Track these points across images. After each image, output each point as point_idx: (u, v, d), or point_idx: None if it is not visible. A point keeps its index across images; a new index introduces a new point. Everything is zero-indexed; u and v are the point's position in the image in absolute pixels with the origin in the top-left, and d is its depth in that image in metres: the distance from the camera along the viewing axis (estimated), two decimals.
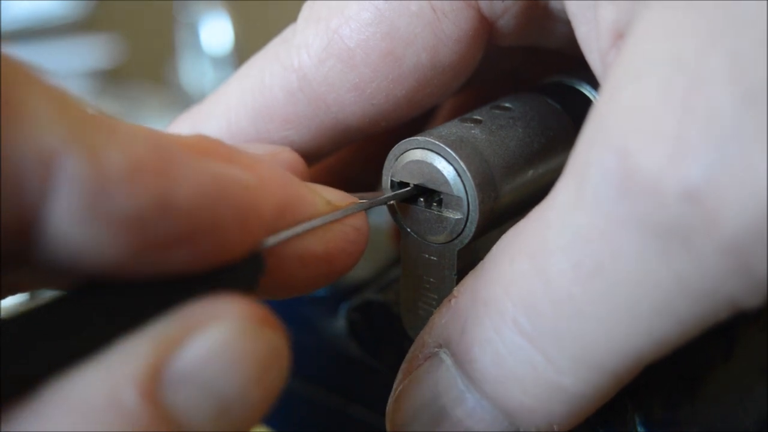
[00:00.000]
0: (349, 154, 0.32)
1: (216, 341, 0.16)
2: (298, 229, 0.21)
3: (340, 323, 0.30)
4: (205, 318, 0.16)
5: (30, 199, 0.15)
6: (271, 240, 0.20)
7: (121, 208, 0.15)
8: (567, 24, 0.22)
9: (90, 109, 0.16)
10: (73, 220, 0.15)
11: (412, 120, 0.27)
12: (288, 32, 0.26)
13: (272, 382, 0.17)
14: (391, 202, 0.25)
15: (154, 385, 0.16)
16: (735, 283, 0.17)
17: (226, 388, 0.16)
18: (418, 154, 0.24)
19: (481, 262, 0.21)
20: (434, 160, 0.23)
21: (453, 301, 0.22)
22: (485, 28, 0.24)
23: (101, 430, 0.15)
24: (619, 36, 0.20)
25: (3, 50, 0.15)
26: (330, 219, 0.22)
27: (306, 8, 0.26)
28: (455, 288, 0.22)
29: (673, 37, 0.17)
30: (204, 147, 0.20)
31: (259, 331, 0.17)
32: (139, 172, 0.15)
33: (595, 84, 0.26)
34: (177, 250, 0.16)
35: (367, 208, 0.23)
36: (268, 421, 0.35)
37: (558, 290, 0.19)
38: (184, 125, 0.27)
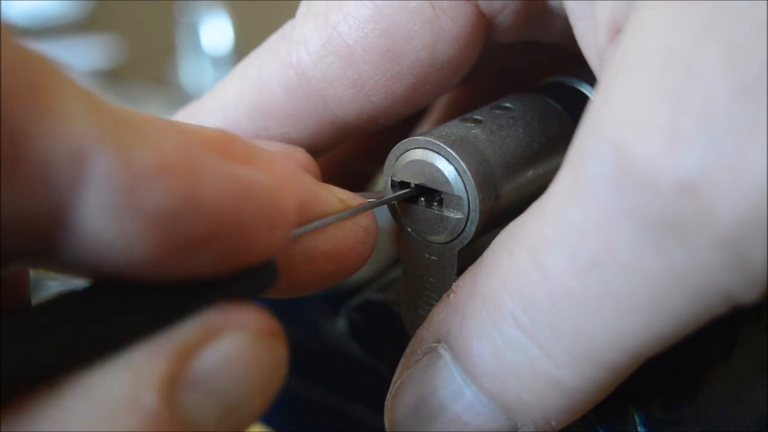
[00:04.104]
0: (348, 149, 0.32)
1: (231, 350, 0.17)
2: (311, 226, 0.21)
3: (340, 323, 0.30)
4: (222, 326, 0.17)
5: (60, 194, 0.15)
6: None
7: (150, 205, 0.15)
8: (565, 20, 0.22)
9: (117, 106, 0.16)
10: (102, 217, 0.15)
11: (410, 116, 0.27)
12: (286, 28, 0.26)
13: (272, 389, 0.18)
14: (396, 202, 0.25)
15: (173, 388, 0.16)
16: (730, 276, 0.16)
17: (234, 394, 0.17)
18: (418, 154, 0.24)
19: (481, 257, 0.21)
20: (435, 160, 0.23)
21: (452, 296, 0.22)
22: (483, 24, 0.24)
23: (120, 427, 0.15)
24: (616, 31, 0.19)
25: (35, 48, 0.15)
26: (340, 217, 0.22)
27: (304, 5, 0.26)
28: (454, 283, 0.22)
29: (667, 29, 0.17)
30: (225, 143, 0.20)
31: (269, 343, 0.17)
32: (167, 170, 0.16)
33: (595, 84, 0.26)
34: (204, 250, 0.16)
35: (375, 207, 0.23)
36: (268, 421, 0.35)
37: (555, 284, 0.18)
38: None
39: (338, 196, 0.22)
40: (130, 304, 0.16)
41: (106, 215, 0.15)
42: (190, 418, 0.16)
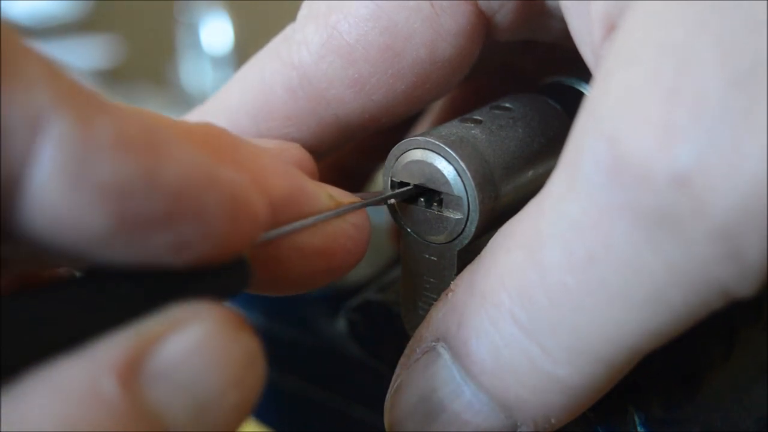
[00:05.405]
0: (348, 149, 0.32)
1: (194, 340, 0.17)
2: (298, 224, 0.21)
3: (340, 323, 0.30)
4: (184, 318, 0.17)
5: (14, 158, 0.15)
6: (273, 233, 0.20)
7: (105, 176, 0.15)
8: (563, 19, 0.22)
9: (85, 85, 0.16)
10: (55, 185, 0.15)
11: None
12: (288, 30, 0.26)
13: (249, 386, 0.17)
14: (392, 201, 0.25)
15: (134, 375, 0.16)
16: (726, 269, 0.16)
17: (204, 388, 0.17)
18: (418, 154, 0.24)
19: (479, 255, 0.22)
20: (434, 160, 0.23)
21: (450, 294, 0.22)
22: (483, 23, 0.25)
23: (80, 416, 0.15)
24: (611, 28, 0.20)
25: None
26: (330, 215, 0.22)
27: (305, 6, 0.26)
28: (453, 282, 0.22)
29: (661, 24, 0.17)
30: (208, 135, 0.20)
31: (235, 335, 0.17)
32: (127, 145, 0.15)
33: None
34: (158, 233, 0.16)
35: (368, 205, 0.23)
36: (267, 421, 0.35)
37: (552, 281, 0.19)
38: None
39: (328, 192, 0.22)
40: (94, 297, 0.16)
41: (59, 183, 0.15)
42: (159, 411, 0.16)
